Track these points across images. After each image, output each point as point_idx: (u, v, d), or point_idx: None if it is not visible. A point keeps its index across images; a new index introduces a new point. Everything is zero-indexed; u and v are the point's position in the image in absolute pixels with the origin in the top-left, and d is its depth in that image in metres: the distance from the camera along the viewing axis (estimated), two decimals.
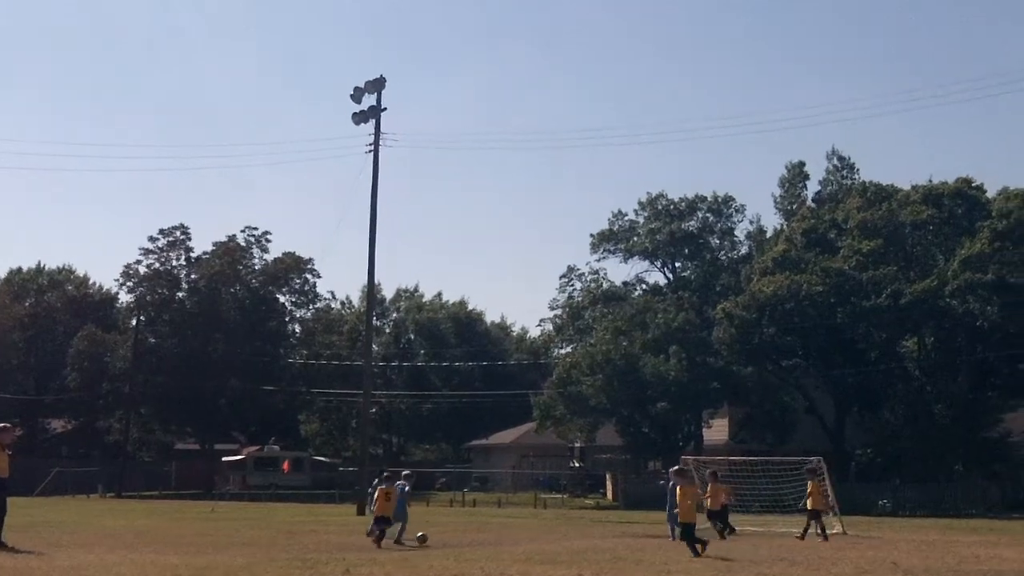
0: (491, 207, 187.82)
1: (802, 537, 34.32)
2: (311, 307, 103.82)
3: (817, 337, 72.12)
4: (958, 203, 74.28)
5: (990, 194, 77.07)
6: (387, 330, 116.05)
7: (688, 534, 27.20)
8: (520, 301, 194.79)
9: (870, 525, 45.48)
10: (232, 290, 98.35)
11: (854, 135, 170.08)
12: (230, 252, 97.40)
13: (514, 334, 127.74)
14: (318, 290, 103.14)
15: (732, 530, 35.50)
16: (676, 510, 29.66)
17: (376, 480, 34.83)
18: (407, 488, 34.10)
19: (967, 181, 75.93)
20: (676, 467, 31.76)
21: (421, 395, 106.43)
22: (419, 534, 33.04)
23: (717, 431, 77.44)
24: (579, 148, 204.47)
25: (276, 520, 46.75)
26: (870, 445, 72.26)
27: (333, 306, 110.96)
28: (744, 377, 73.08)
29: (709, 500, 35.01)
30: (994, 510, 62.78)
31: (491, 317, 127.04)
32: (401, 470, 36.09)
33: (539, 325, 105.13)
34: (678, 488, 28.93)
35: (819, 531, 35.02)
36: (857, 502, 59.39)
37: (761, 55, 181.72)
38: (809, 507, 35.46)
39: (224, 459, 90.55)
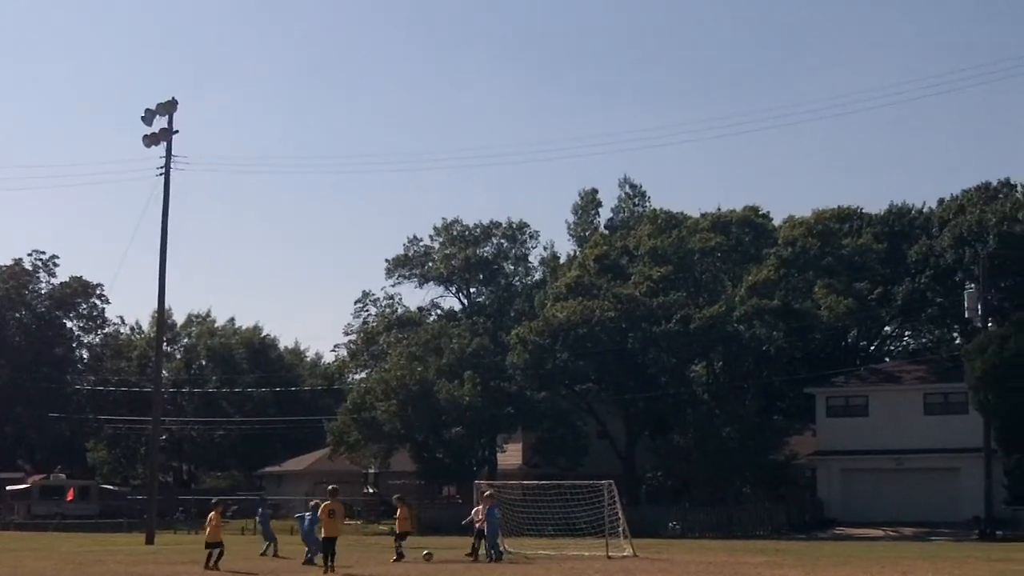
0: (287, 231, 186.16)
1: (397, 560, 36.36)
2: (99, 332, 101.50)
3: (609, 362, 72.91)
4: (745, 231, 76.05)
5: (776, 222, 79.14)
6: (178, 356, 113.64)
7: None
8: (315, 326, 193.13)
9: (660, 547, 46.03)
10: (17, 315, 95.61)
11: (646, 163, 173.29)
12: (15, 276, 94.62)
13: (308, 359, 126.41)
14: (107, 315, 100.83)
15: (500, 554, 36.61)
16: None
17: (261, 509, 36.55)
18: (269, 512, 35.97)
19: (754, 209, 77.81)
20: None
21: (213, 421, 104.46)
22: (424, 552, 34.12)
23: (511, 455, 77.68)
24: (374, 173, 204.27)
25: (62, 550, 45.35)
26: (660, 468, 73.29)
27: (122, 331, 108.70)
28: (538, 402, 73.43)
29: (398, 523, 35.89)
30: (780, 531, 64.19)
31: (285, 342, 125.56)
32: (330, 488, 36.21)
33: (333, 350, 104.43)
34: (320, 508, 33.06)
35: (397, 553, 36.48)
36: (647, 524, 60.10)
37: (554, 82, 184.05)
38: (398, 530, 37.47)
39: (8, 488, 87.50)
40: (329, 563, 31.44)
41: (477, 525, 38.31)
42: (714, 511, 67.42)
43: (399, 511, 38.64)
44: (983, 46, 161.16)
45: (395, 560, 36.23)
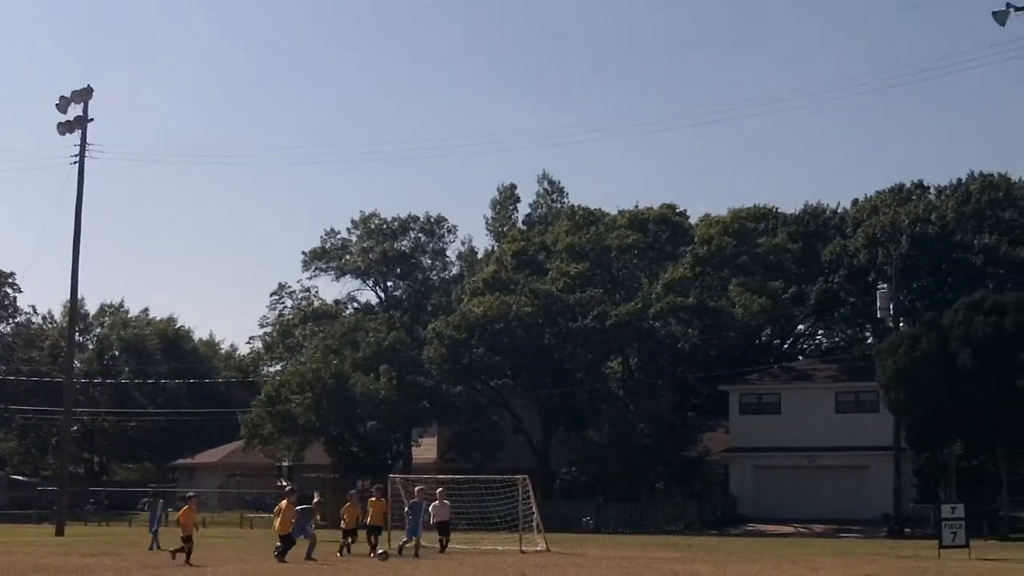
0: (204, 222, 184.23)
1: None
2: (11, 321, 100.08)
3: (526, 357, 73.04)
4: (662, 228, 76.54)
5: (692, 220, 79.71)
6: (90, 346, 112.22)
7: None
8: (230, 318, 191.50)
9: (574, 542, 46.20)
10: None
11: (565, 159, 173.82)
12: None
13: (223, 351, 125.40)
14: (19, 304, 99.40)
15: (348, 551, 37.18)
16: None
17: (149, 500, 35.80)
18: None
19: (671, 207, 78.32)
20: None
21: (125, 413, 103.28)
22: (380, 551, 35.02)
23: (426, 450, 77.58)
24: (292, 165, 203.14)
25: None
26: (575, 463, 73.55)
27: (34, 320, 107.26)
28: (453, 396, 73.43)
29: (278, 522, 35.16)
30: (692, 527, 64.65)
31: (200, 334, 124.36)
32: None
33: (249, 343, 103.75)
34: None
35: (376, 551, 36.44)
36: (561, 519, 60.34)
37: (475, 77, 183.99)
38: (369, 522, 37.88)
39: None
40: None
41: (433, 520, 38.48)
42: (628, 507, 67.78)
43: (376, 504, 38.00)
44: (899, 49, 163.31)
45: (377, 556, 35.39)
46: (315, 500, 42.51)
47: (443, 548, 38.23)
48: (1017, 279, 69.58)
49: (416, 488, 39.25)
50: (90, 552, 38.35)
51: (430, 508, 38.80)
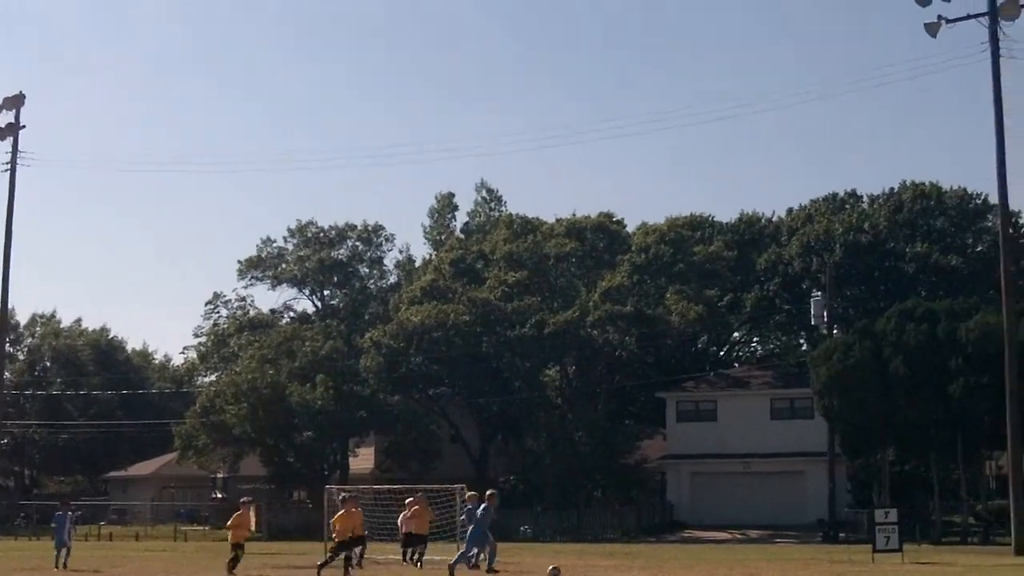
0: (137, 231, 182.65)
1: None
2: None
3: (463, 366, 73.00)
4: (600, 237, 76.73)
5: (630, 229, 79.97)
6: (21, 357, 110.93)
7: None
8: (164, 328, 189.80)
9: (512, 551, 46.13)
10: None
11: (503, 168, 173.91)
12: None
13: (157, 362, 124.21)
14: None
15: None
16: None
17: (58, 513, 33.59)
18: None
19: (608, 216, 78.51)
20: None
21: (57, 425, 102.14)
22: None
23: (363, 460, 77.28)
24: (228, 173, 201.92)
25: None
26: (513, 472, 73.59)
27: None
28: (391, 406, 73.23)
29: (232, 532, 34.52)
30: (630, 534, 64.78)
31: (133, 344, 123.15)
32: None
33: (183, 353, 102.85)
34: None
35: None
36: (499, 528, 60.01)
37: (414, 85, 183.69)
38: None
39: None
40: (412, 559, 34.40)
41: (404, 530, 37.66)
42: (565, 515, 67.86)
43: (419, 511, 36.93)
44: (834, 59, 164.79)
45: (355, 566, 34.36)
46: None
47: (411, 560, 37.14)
48: (948, 287, 70.37)
49: (342, 497, 38.26)
50: (20, 567, 37.94)
51: (399, 520, 38.20)
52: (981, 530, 57.92)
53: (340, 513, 32.11)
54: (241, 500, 35.82)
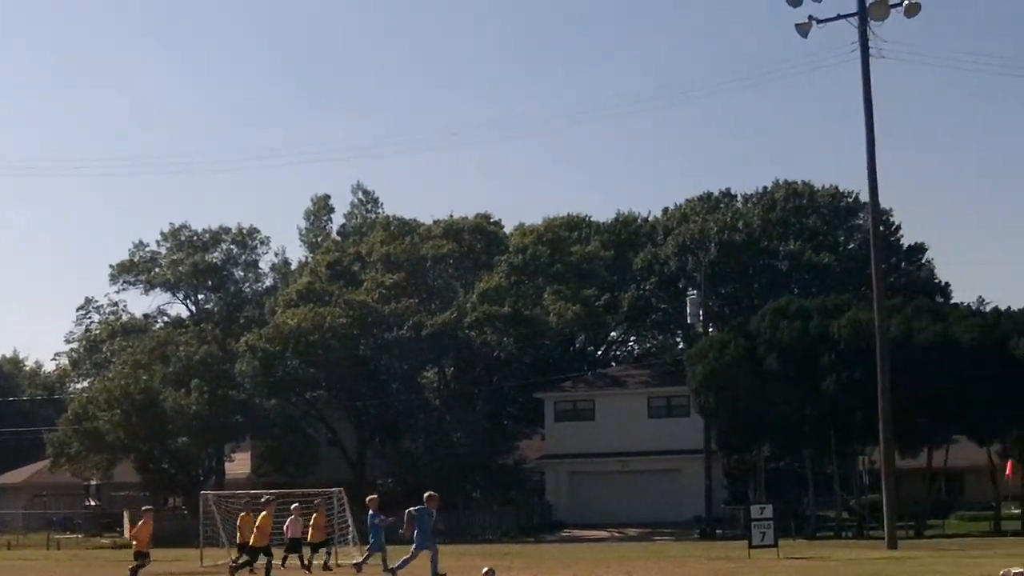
0: (5, 235, 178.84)
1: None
2: None
3: (341, 369, 72.51)
4: (477, 238, 76.73)
5: (507, 230, 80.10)
6: None
7: None
8: (35, 335, 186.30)
9: (391, 554, 45.77)
10: None
11: (379, 170, 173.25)
12: None
13: (28, 369, 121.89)
14: None
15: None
16: None
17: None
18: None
19: (486, 217, 78.56)
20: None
21: None
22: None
23: (240, 464, 76.46)
24: (99, 176, 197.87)
25: None
26: (391, 474, 73.21)
27: None
28: (267, 410, 72.56)
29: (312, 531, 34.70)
30: (509, 534, 64.80)
31: (3, 351, 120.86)
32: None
33: (54, 359, 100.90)
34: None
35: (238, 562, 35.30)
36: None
37: (287, 87, 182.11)
38: (311, 540, 36.53)
39: None
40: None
41: (288, 536, 37.46)
42: (445, 516, 67.36)
43: (317, 517, 37.04)
44: (707, 58, 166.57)
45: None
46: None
47: (286, 565, 37.01)
48: (821, 284, 71.40)
49: (291, 505, 38.21)
50: None
51: (285, 525, 37.87)
52: (855, 524, 58.97)
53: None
54: (143, 508, 35.68)
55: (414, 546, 31.12)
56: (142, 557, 32.61)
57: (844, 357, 55.06)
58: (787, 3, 44.84)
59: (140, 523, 33.88)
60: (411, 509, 31.79)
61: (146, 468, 73.88)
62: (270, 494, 37.87)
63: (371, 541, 34.61)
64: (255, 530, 33.85)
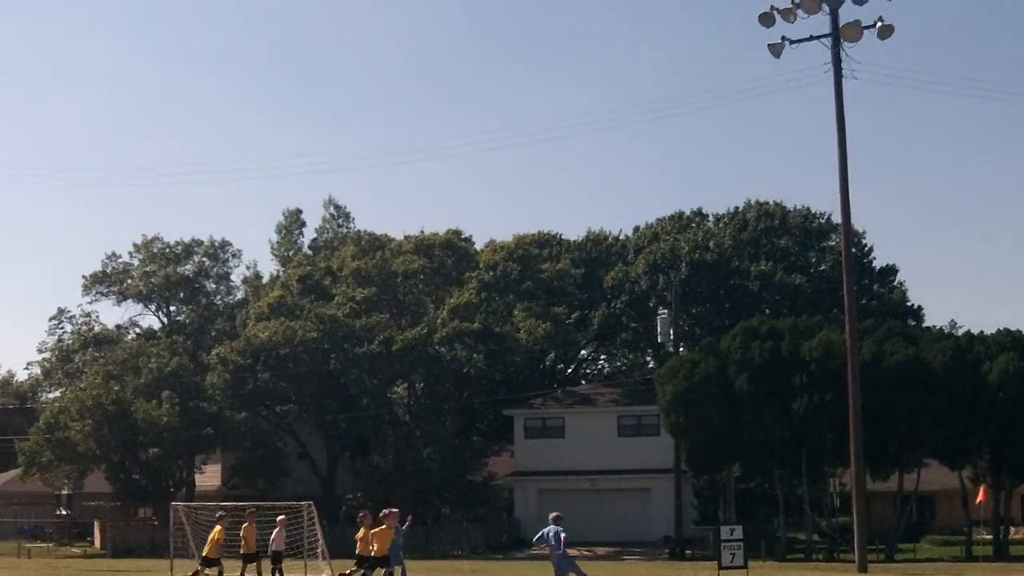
0: None
1: None
2: None
3: (311, 383, 72.57)
4: (448, 254, 76.77)
5: (478, 246, 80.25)
6: None
7: None
8: (7, 344, 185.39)
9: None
10: None
11: (351, 185, 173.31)
12: None
13: (0, 378, 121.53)
14: None
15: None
16: None
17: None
18: None
19: (457, 233, 78.63)
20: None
21: None
22: None
23: (210, 477, 76.35)
24: (72, 187, 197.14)
25: None
26: (360, 489, 73.19)
27: None
28: (237, 423, 72.54)
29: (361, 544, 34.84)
30: (477, 551, 64.85)
31: None
32: None
33: (27, 368, 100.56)
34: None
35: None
36: (347, 545, 59.64)
37: (260, 101, 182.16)
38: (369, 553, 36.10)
39: None
40: None
41: (273, 548, 37.51)
42: (413, 532, 67.43)
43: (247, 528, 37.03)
44: (679, 78, 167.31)
45: None
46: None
47: None
48: (792, 305, 71.70)
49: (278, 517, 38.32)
50: None
51: (271, 537, 37.88)
52: (825, 546, 58.98)
53: (381, 528, 31.43)
54: (217, 515, 36.51)
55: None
56: (249, 559, 33.24)
57: (815, 378, 55.30)
58: (760, 23, 45.02)
59: (245, 525, 34.28)
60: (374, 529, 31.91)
61: (117, 478, 73.86)
62: (254, 506, 38.20)
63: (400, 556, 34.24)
64: (210, 542, 34.38)
